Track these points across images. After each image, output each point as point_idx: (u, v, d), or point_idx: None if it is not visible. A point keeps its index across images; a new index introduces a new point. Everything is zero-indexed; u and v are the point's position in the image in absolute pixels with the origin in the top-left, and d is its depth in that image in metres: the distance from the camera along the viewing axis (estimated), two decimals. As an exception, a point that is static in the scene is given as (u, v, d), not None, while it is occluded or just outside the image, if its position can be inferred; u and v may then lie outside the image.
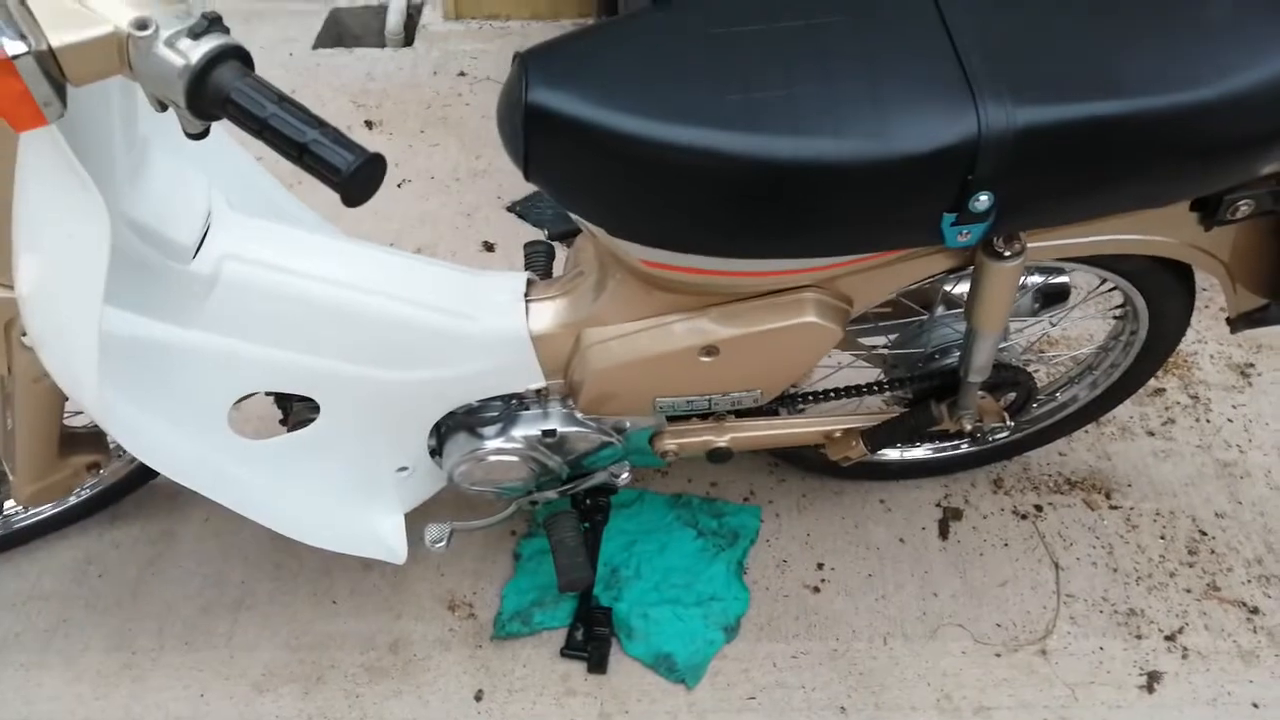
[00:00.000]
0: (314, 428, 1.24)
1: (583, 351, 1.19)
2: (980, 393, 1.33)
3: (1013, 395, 1.41)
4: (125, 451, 1.50)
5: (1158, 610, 1.49)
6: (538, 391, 1.27)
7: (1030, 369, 1.41)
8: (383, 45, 2.68)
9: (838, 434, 1.41)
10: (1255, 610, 1.49)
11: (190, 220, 1.09)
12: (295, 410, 1.32)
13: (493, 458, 1.29)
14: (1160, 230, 1.13)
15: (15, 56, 0.76)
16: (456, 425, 1.29)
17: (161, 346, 1.12)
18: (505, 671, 1.44)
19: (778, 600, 1.51)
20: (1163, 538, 1.58)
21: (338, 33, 2.80)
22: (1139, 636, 1.46)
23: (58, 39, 0.77)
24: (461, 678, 1.43)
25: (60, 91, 0.80)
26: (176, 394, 1.15)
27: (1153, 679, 1.42)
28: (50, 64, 0.78)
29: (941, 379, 1.34)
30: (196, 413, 1.18)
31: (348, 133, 0.80)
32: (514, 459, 1.29)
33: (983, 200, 0.95)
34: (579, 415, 1.29)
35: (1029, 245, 1.09)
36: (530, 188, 2.10)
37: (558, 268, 1.41)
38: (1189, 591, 1.51)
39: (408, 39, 2.69)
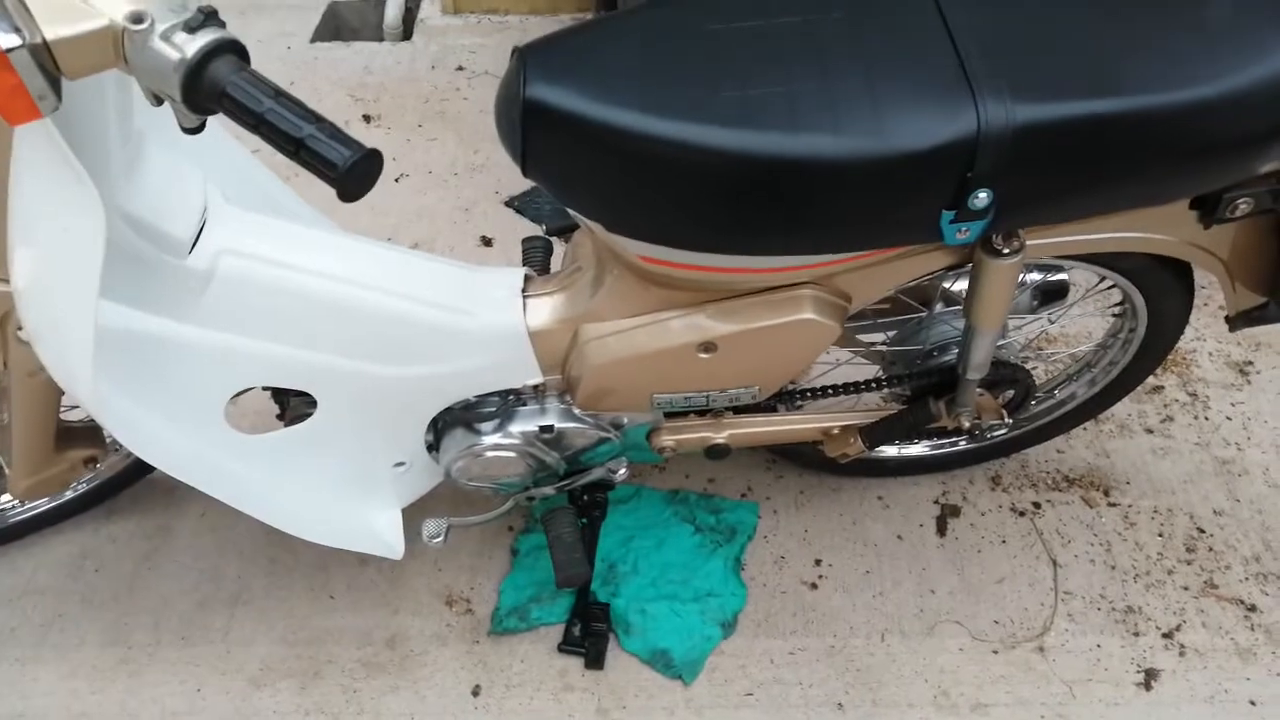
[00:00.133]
0: (311, 423, 1.24)
1: (580, 347, 1.19)
2: (979, 390, 1.33)
3: (1011, 392, 1.41)
4: (121, 446, 1.49)
5: (1155, 608, 1.49)
6: (535, 387, 1.27)
7: (1029, 366, 1.41)
8: (381, 39, 2.67)
9: (836, 431, 1.41)
10: (1253, 608, 1.49)
11: (186, 214, 1.09)
12: (292, 405, 1.32)
13: (490, 453, 1.28)
14: (1159, 228, 1.13)
15: (10, 50, 0.76)
16: (454, 421, 1.29)
17: (158, 341, 1.12)
18: (503, 667, 1.44)
19: (775, 596, 1.51)
20: (1161, 535, 1.58)
21: (335, 26, 2.79)
22: (1136, 634, 1.46)
23: (52, 32, 0.76)
24: (459, 673, 1.43)
25: (55, 85, 0.79)
26: (173, 388, 1.15)
27: (1150, 676, 1.42)
28: (45, 57, 0.77)
29: (940, 376, 1.34)
30: (193, 407, 1.18)
31: (345, 127, 0.80)
32: (511, 454, 1.29)
33: (981, 198, 0.94)
34: (576, 411, 1.28)
35: (1028, 243, 1.09)
36: (528, 183, 2.10)
37: (555, 263, 1.41)
38: (1187, 589, 1.51)
39: (406, 33, 2.68)
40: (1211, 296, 1.89)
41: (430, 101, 2.43)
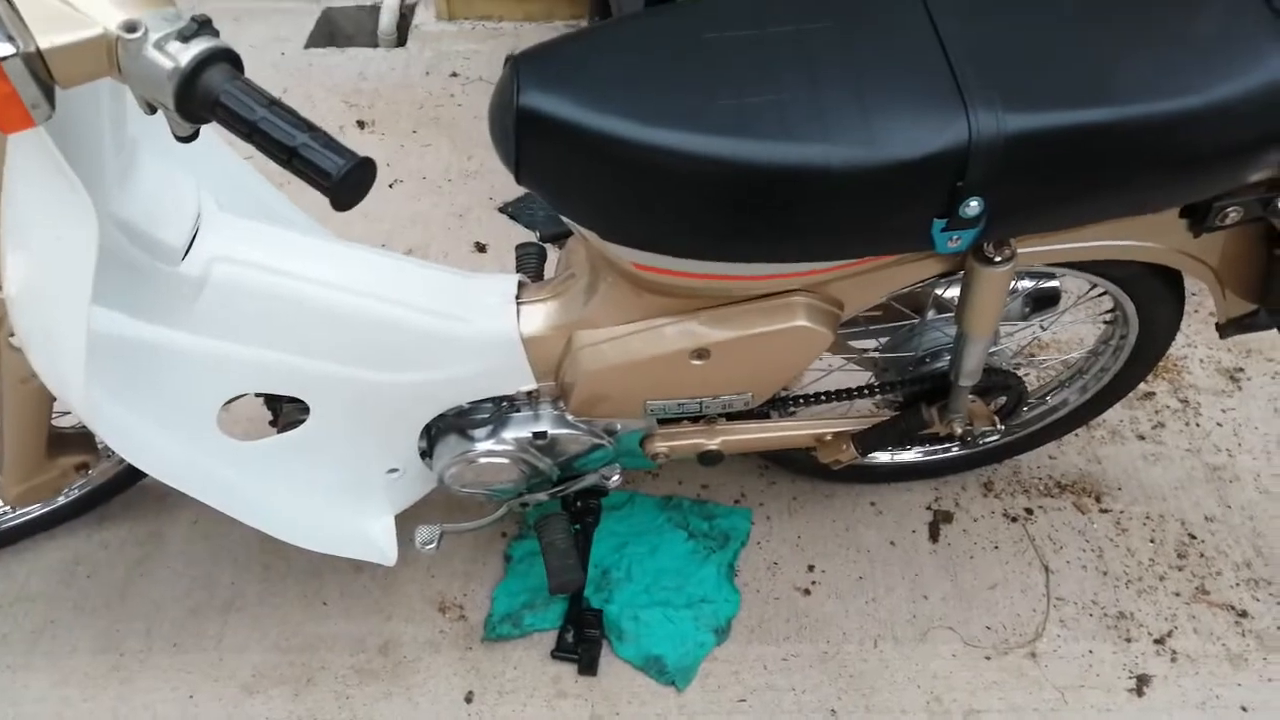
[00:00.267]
0: (304, 429, 1.24)
1: (574, 354, 1.19)
2: (971, 396, 1.34)
3: (1003, 399, 1.41)
4: (113, 452, 1.49)
5: (1147, 614, 1.49)
6: (529, 393, 1.27)
7: (1020, 373, 1.42)
8: (375, 45, 2.67)
9: (829, 437, 1.41)
10: (1244, 614, 1.49)
11: (179, 222, 1.09)
12: (285, 412, 1.32)
13: (483, 460, 1.28)
14: (1150, 236, 1.14)
15: (3, 58, 0.75)
16: (447, 427, 1.29)
17: (150, 347, 1.12)
18: (496, 673, 1.44)
19: (768, 602, 1.51)
20: (1152, 541, 1.58)
21: (330, 32, 2.79)
22: (1128, 640, 1.47)
23: (46, 41, 0.76)
24: (452, 679, 1.43)
25: (49, 93, 0.79)
26: (165, 395, 1.15)
27: (1142, 682, 1.42)
28: (38, 66, 0.77)
29: (932, 382, 1.34)
30: (185, 414, 1.18)
31: (339, 133, 0.80)
32: (505, 461, 1.29)
33: (973, 206, 0.95)
34: (570, 417, 1.29)
35: (1019, 251, 1.10)
36: (522, 189, 2.10)
37: (549, 270, 1.41)
38: (1178, 595, 1.52)
39: (400, 39, 2.68)
40: (1202, 303, 1.90)
41: (424, 108, 2.43)
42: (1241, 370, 1.83)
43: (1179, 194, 1.05)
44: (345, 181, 0.76)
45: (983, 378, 1.29)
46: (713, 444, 1.37)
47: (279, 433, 1.28)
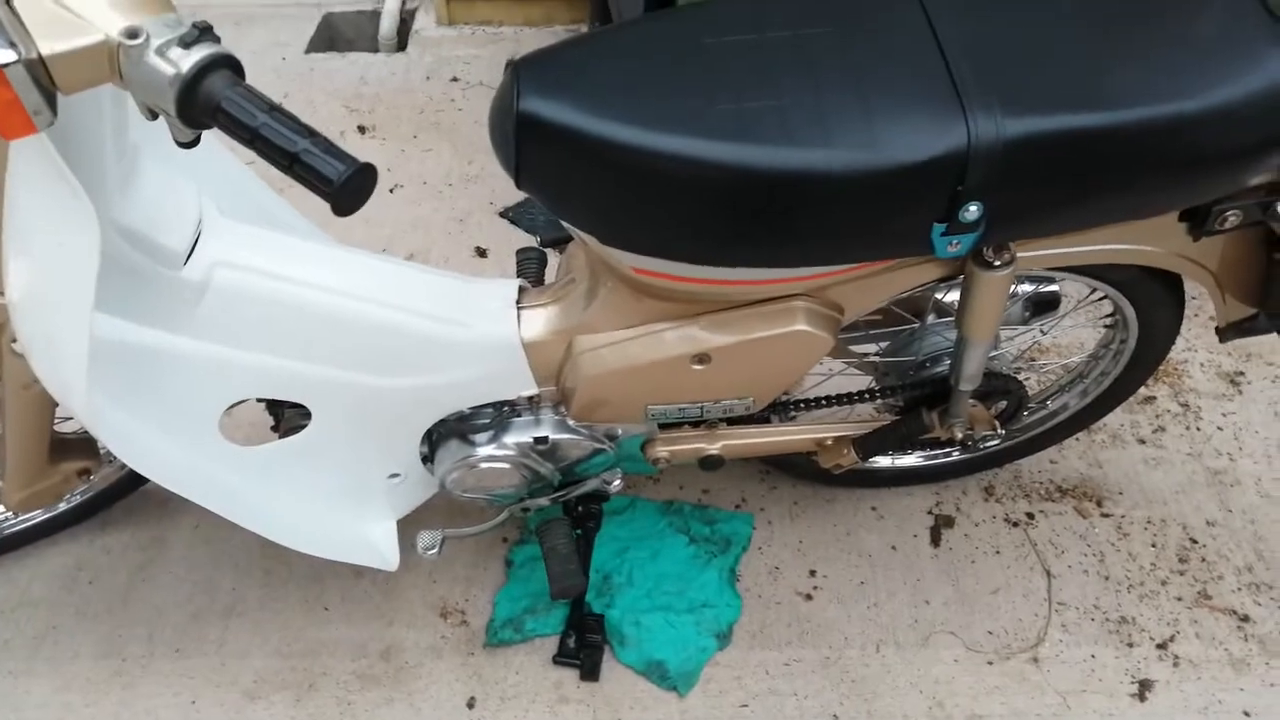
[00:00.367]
0: (305, 434, 1.24)
1: (574, 359, 1.19)
2: (971, 401, 1.34)
3: (1003, 403, 1.41)
4: (115, 458, 1.49)
5: (1149, 618, 1.49)
6: (530, 398, 1.27)
7: (1021, 377, 1.42)
8: (376, 50, 2.68)
9: (829, 441, 1.41)
10: (1246, 618, 1.49)
11: (181, 227, 1.09)
12: (286, 417, 1.32)
13: (485, 465, 1.29)
14: (1149, 240, 1.14)
15: (5, 65, 0.76)
16: (448, 432, 1.29)
17: (152, 353, 1.12)
18: (497, 679, 1.44)
19: (770, 607, 1.51)
20: (1154, 546, 1.58)
21: (330, 37, 2.80)
22: (1130, 644, 1.46)
23: (48, 47, 0.77)
24: (454, 685, 1.43)
25: (50, 100, 0.80)
26: (167, 400, 1.15)
27: (1144, 687, 1.42)
28: (40, 72, 0.77)
29: (932, 387, 1.34)
30: (187, 419, 1.18)
31: (340, 138, 0.80)
32: (506, 466, 1.29)
33: (972, 210, 0.95)
34: (571, 422, 1.29)
35: (1019, 255, 1.10)
36: (522, 194, 2.10)
37: (550, 275, 1.41)
38: (1180, 599, 1.51)
39: (401, 44, 2.69)
40: (1202, 307, 1.90)
41: (425, 112, 2.43)
42: (1242, 374, 1.83)
43: (1179, 198, 1.05)
44: (346, 187, 0.77)
45: (983, 382, 1.29)
46: (714, 449, 1.37)
47: (280, 438, 1.28)
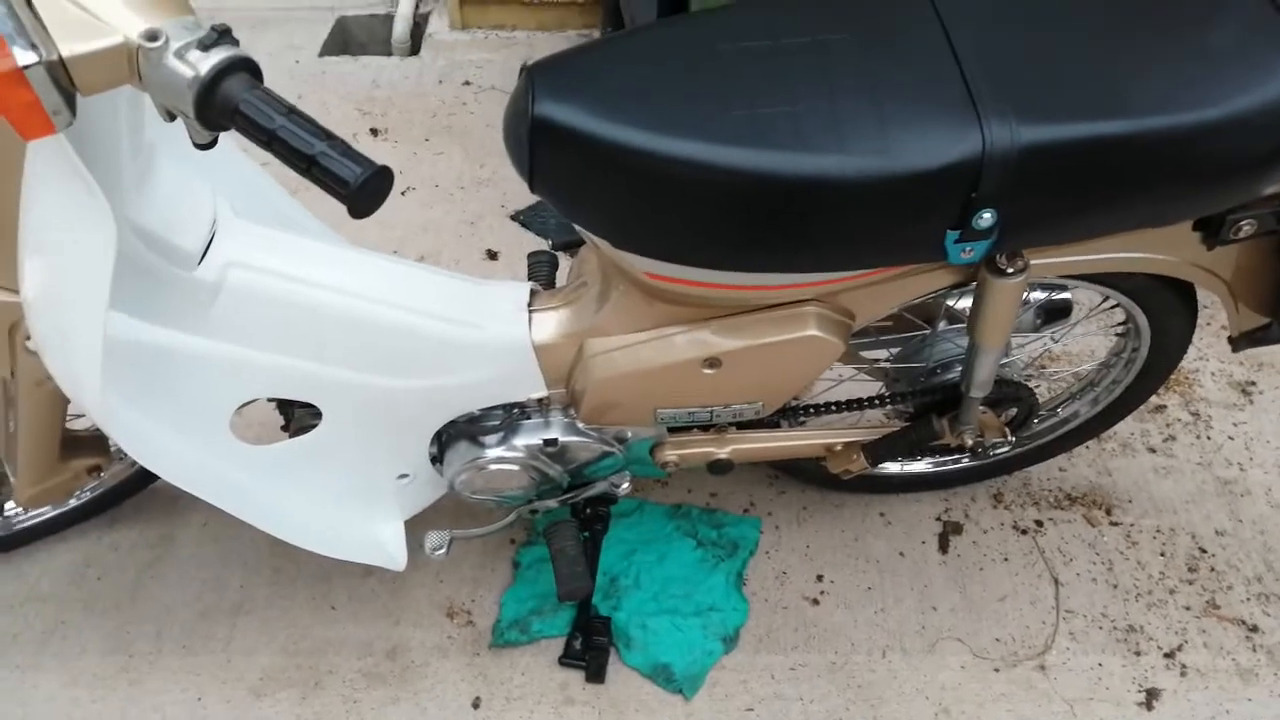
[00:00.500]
0: (315, 434, 1.25)
1: (585, 362, 1.19)
2: (982, 408, 1.33)
3: (1014, 410, 1.41)
4: (126, 455, 1.50)
5: (1157, 627, 1.49)
6: (539, 401, 1.27)
7: (1031, 385, 1.41)
8: (389, 53, 2.69)
9: (839, 447, 1.41)
10: (1255, 629, 1.49)
11: (196, 227, 1.10)
12: (297, 416, 1.32)
13: (494, 466, 1.29)
14: (1163, 249, 1.14)
15: (26, 66, 0.76)
16: (458, 433, 1.29)
17: (165, 352, 1.12)
18: (503, 679, 1.44)
19: (776, 612, 1.51)
20: (1163, 554, 1.58)
21: (344, 40, 2.81)
22: (1138, 653, 1.46)
23: (68, 49, 0.77)
24: (459, 685, 1.43)
25: (69, 100, 0.80)
26: (179, 399, 1.16)
27: (1151, 696, 1.41)
28: (60, 74, 0.78)
29: (943, 393, 1.34)
30: (199, 418, 1.18)
31: (352, 140, 0.81)
32: (515, 468, 1.30)
33: (986, 218, 0.95)
34: (580, 425, 1.29)
35: (1032, 262, 1.10)
36: (534, 197, 2.11)
37: (561, 278, 1.41)
38: (1188, 609, 1.51)
39: (414, 48, 2.70)
40: (1214, 316, 1.90)
41: (437, 116, 2.44)
42: (1253, 384, 1.82)
43: (1193, 206, 1.05)
44: (363, 190, 0.77)
45: (994, 389, 1.29)
46: (723, 453, 1.37)
47: (291, 438, 1.29)
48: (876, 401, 1.37)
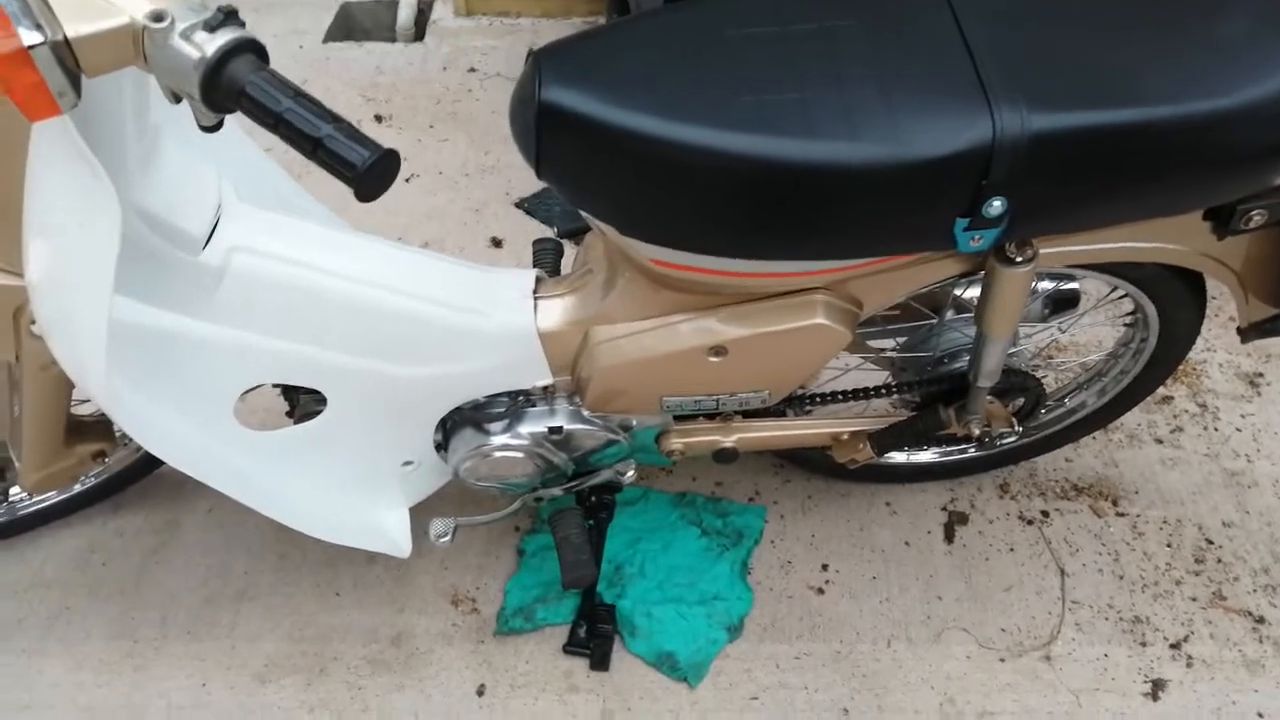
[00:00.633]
0: (320, 420, 1.24)
1: (590, 349, 1.19)
2: (989, 397, 1.33)
3: (1021, 400, 1.40)
4: (131, 440, 1.49)
5: (1163, 618, 1.49)
6: (545, 388, 1.27)
7: (1039, 375, 1.41)
8: (393, 40, 2.68)
9: (845, 436, 1.41)
10: (1261, 620, 1.48)
11: (200, 211, 1.10)
12: (302, 403, 1.32)
13: (499, 453, 1.29)
14: (1173, 239, 1.13)
15: (31, 47, 0.76)
16: (463, 420, 1.29)
17: (170, 336, 1.12)
18: (508, 667, 1.44)
19: (781, 601, 1.51)
20: (1169, 546, 1.57)
21: (348, 26, 2.79)
22: (1144, 644, 1.46)
23: (74, 30, 0.77)
24: (464, 672, 1.43)
25: (75, 81, 0.80)
26: (184, 384, 1.16)
27: (1157, 687, 1.41)
28: (65, 54, 0.77)
29: (950, 383, 1.34)
30: (203, 403, 1.18)
31: (356, 126, 0.80)
32: (520, 455, 1.29)
33: (996, 206, 0.94)
34: (585, 413, 1.29)
35: (1041, 251, 1.09)
36: (539, 184, 2.10)
37: (566, 265, 1.41)
38: (1195, 600, 1.51)
39: (418, 34, 2.68)
40: (1222, 307, 1.89)
41: (442, 102, 2.43)
42: (1261, 375, 1.81)
43: (1203, 196, 1.04)
44: (370, 173, 0.77)
45: (1001, 379, 1.28)
46: (728, 441, 1.37)
47: (295, 424, 1.28)
48: (883, 391, 1.36)
